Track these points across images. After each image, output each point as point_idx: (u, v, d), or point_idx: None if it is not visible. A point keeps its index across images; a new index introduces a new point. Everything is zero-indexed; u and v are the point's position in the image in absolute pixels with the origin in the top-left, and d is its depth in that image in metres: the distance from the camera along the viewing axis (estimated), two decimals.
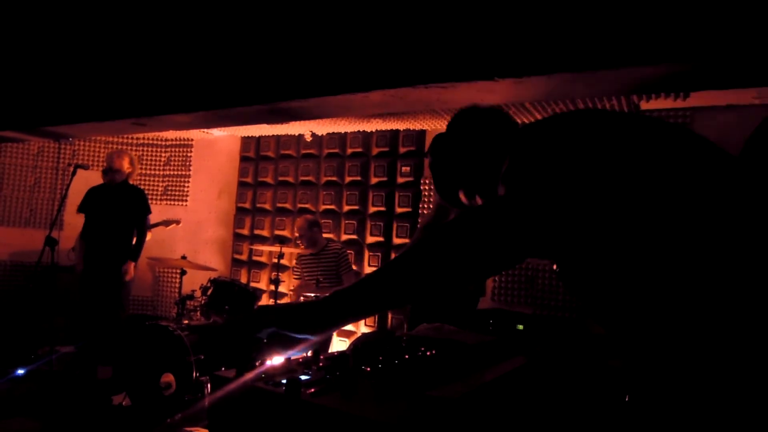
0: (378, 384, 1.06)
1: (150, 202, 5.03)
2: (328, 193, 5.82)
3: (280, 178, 6.15)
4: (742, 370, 0.87)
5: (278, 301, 4.54)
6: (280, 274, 4.69)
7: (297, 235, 5.08)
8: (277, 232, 6.07)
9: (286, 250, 5.12)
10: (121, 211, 4.75)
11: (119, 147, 6.32)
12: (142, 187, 5.39)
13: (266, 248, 5.59)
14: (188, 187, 6.63)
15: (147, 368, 3.79)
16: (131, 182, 4.98)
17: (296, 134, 5.93)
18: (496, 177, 1.11)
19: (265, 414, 0.96)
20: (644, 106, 4.14)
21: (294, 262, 5.66)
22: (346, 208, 5.72)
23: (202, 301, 4.36)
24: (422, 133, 5.29)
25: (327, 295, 1.06)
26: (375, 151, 5.58)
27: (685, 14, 1.59)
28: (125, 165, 4.80)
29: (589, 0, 1.77)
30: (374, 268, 3.55)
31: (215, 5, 3.21)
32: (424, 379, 1.10)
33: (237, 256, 6.40)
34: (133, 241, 4.84)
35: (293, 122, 5.03)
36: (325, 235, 5.61)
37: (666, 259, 0.93)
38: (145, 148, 6.59)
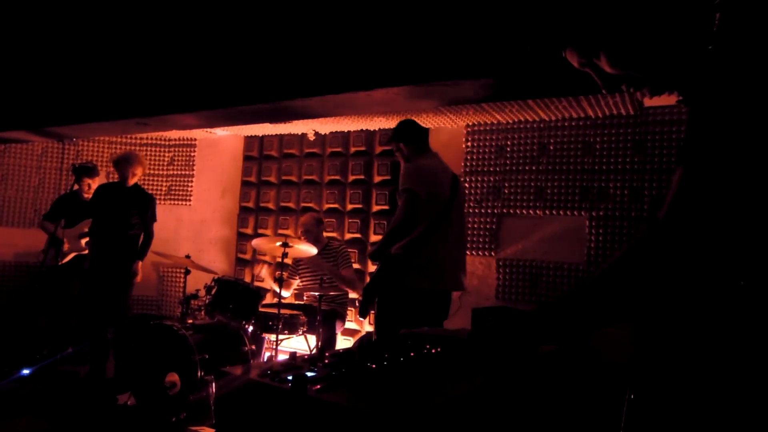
0: (384, 381, 1.06)
1: None
2: (332, 191, 5.82)
3: (284, 177, 6.16)
4: None
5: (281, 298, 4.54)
6: (284, 273, 4.69)
7: (302, 230, 5.06)
8: (280, 231, 6.07)
9: (289, 249, 5.11)
10: (131, 211, 4.78)
11: (126, 148, 6.35)
12: (145, 186, 5.41)
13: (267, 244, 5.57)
14: (192, 186, 6.64)
15: (152, 368, 3.80)
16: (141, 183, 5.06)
17: (299, 133, 5.93)
18: None
19: (271, 410, 0.96)
20: (647, 102, 4.14)
21: (292, 260, 5.64)
22: (349, 206, 5.72)
23: (207, 301, 4.36)
24: (425, 131, 5.28)
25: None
26: (378, 149, 5.57)
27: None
28: (140, 171, 4.90)
29: None
30: (375, 267, 3.57)
31: (217, 5, 3.21)
32: (429, 376, 1.10)
33: (241, 255, 6.40)
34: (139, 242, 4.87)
35: (296, 121, 5.04)
36: (328, 234, 5.62)
37: None
38: (149, 148, 6.60)
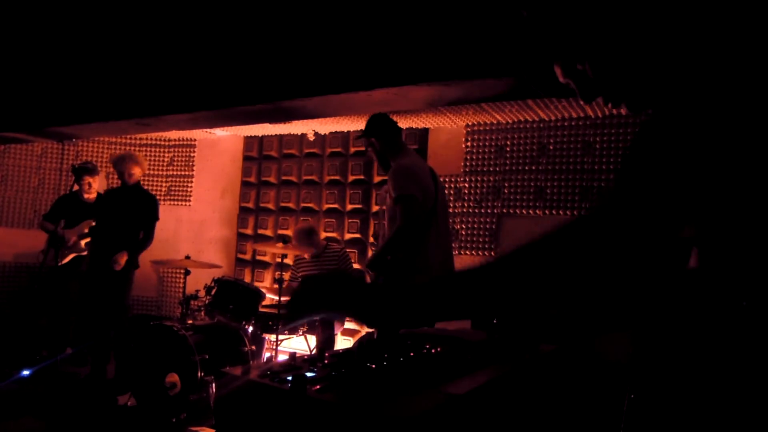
0: (384, 381, 1.06)
1: None
2: (332, 192, 5.82)
3: (284, 178, 6.16)
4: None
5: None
6: (284, 273, 4.69)
7: (299, 247, 4.97)
8: (280, 232, 6.07)
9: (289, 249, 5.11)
10: (132, 214, 4.77)
11: (126, 148, 6.34)
12: (146, 187, 5.41)
13: (270, 248, 5.59)
14: (191, 187, 6.64)
15: (152, 368, 3.80)
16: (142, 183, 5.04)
17: (299, 134, 5.93)
18: None
19: (271, 411, 0.96)
20: None
21: (293, 260, 5.65)
22: (349, 206, 5.72)
23: (207, 301, 4.36)
24: (425, 131, 5.29)
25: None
26: None
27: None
28: (137, 170, 4.83)
29: None
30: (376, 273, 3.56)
31: (217, 6, 3.21)
32: (429, 376, 1.10)
33: (241, 256, 6.40)
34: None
35: (296, 121, 5.04)
36: (328, 235, 5.62)
37: None
38: (149, 149, 6.60)
